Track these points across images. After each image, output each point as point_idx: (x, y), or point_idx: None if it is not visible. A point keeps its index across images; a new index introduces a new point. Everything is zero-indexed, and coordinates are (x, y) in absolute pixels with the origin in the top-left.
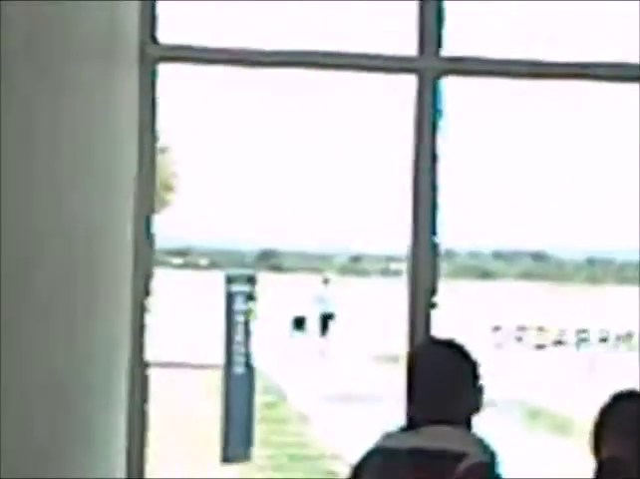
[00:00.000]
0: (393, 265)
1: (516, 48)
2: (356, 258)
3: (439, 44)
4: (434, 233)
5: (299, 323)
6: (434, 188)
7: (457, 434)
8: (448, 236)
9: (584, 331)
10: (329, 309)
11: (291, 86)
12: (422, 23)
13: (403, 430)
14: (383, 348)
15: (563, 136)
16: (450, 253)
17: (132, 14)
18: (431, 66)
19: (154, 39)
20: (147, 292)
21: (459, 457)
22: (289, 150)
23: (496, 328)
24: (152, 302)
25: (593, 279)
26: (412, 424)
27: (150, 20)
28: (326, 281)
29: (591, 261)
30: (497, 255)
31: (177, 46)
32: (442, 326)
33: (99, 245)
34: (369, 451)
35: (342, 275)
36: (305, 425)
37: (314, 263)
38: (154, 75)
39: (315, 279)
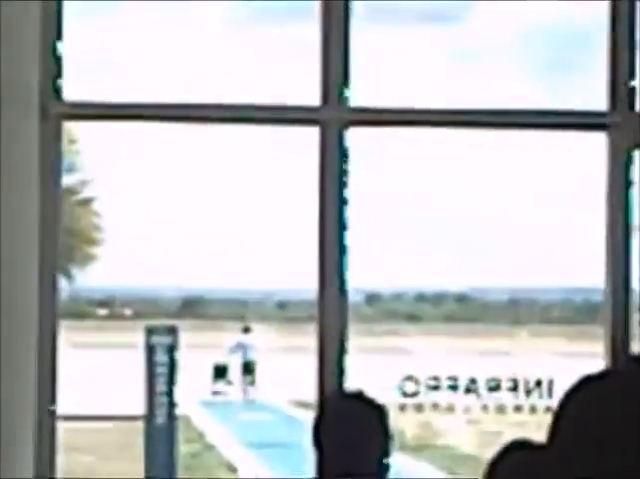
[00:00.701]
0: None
1: (417, 98)
2: (281, 305)
3: (342, 94)
4: (342, 278)
5: (221, 372)
6: (340, 233)
7: None
8: (371, 279)
9: (495, 380)
10: (250, 357)
11: (203, 138)
12: (325, 73)
13: None
14: (302, 395)
15: (474, 180)
16: (374, 297)
17: (33, 69)
18: (335, 116)
19: (57, 96)
20: (53, 344)
21: None
22: (205, 201)
23: (409, 378)
24: (61, 354)
25: (517, 321)
26: (321, 477)
27: (52, 76)
28: (247, 330)
29: (514, 302)
30: (421, 298)
31: (82, 103)
32: (353, 373)
33: (3, 297)
34: None
35: (266, 323)
36: (230, 474)
37: (239, 311)
38: (57, 131)
39: (238, 327)
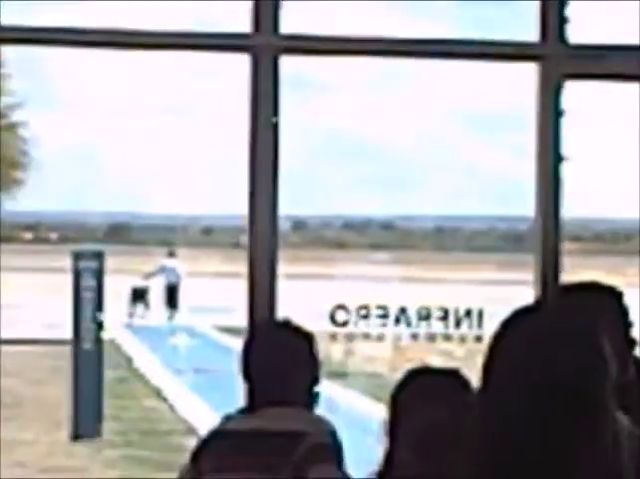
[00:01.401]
0: (243, 238)
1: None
2: (207, 230)
3: (275, 22)
4: (274, 203)
5: (139, 295)
6: (275, 159)
7: (296, 415)
8: (299, 206)
9: (425, 309)
10: (173, 281)
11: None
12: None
13: (242, 412)
14: (229, 320)
15: (402, 110)
16: (300, 224)
17: None
18: (267, 44)
19: None
20: None
21: (299, 437)
22: (134, 125)
23: (340, 307)
24: None
25: (442, 248)
26: (251, 406)
27: None
28: (171, 254)
29: (440, 230)
30: (348, 226)
31: (11, 27)
32: (283, 301)
33: None
34: (209, 434)
35: (192, 248)
36: (157, 400)
37: (164, 236)
38: None
39: (164, 253)
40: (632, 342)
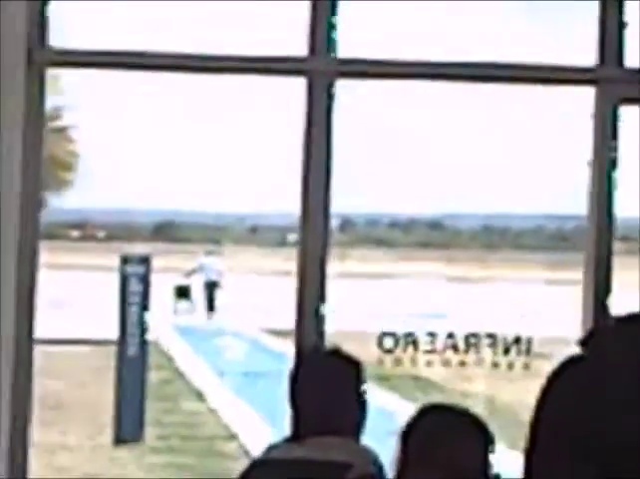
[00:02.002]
0: (290, 237)
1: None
2: (253, 229)
3: (330, 45)
4: (326, 202)
5: (183, 292)
6: (327, 156)
7: (342, 445)
8: (344, 204)
9: (475, 336)
10: (213, 278)
11: (190, 87)
12: (313, 24)
13: (288, 441)
14: (275, 322)
15: (453, 114)
16: (347, 223)
17: (20, 16)
18: (322, 68)
19: (42, 43)
20: (32, 268)
21: (344, 468)
22: (186, 137)
23: (387, 334)
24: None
25: (490, 247)
26: (297, 435)
27: (38, 23)
28: (210, 252)
29: (488, 229)
30: (394, 224)
31: (67, 51)
32: (334, 300)
33: None
34: (253, 462)
35: (238, 246)
36: (200, 403)
37: (211, 235)
38: (42, 79)
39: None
40: None
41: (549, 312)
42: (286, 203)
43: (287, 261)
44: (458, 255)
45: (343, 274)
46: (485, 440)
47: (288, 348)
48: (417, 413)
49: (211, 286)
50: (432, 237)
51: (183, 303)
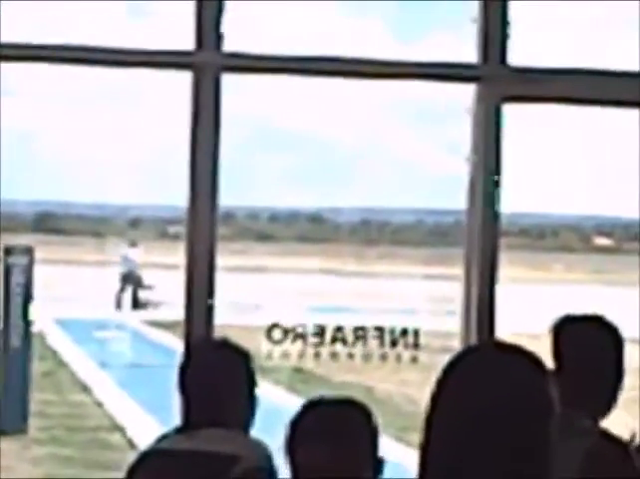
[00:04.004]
0: (172, 229)
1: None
2: (134, 222)
3: (218, 39)
4: (213, 196)
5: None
6: (214, 153)
7: (232, 437)
8: (225, 197)
9: (362, 329)
10: (133, 270)
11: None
12: (200, 18)
13: (178, 432)
14: (159, 315)
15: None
16: (228, 215)
17: None
18: (209, 62)
19: None
20: None
21: (233, 460)
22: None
23: (275, 326)
24: None
25: (369, 241)
26: (187, 426)
27: None
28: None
29: (366, 223)
30: (274, 218)
31: None
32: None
33: None
34: (143, 453)
35: (120, 238)
36: (85, 395)
37: (93, 227)
38: None
39: (93, 243)
40: (620, 377)
41: (429, 306)
42: (169, 195)
43: (168, 254)
44: (337, 249)
45: (225, 268)
46: (372, 428)
47: (172, 341)
48: (302, 408)
49: (132, 278)
50: (311, 230)
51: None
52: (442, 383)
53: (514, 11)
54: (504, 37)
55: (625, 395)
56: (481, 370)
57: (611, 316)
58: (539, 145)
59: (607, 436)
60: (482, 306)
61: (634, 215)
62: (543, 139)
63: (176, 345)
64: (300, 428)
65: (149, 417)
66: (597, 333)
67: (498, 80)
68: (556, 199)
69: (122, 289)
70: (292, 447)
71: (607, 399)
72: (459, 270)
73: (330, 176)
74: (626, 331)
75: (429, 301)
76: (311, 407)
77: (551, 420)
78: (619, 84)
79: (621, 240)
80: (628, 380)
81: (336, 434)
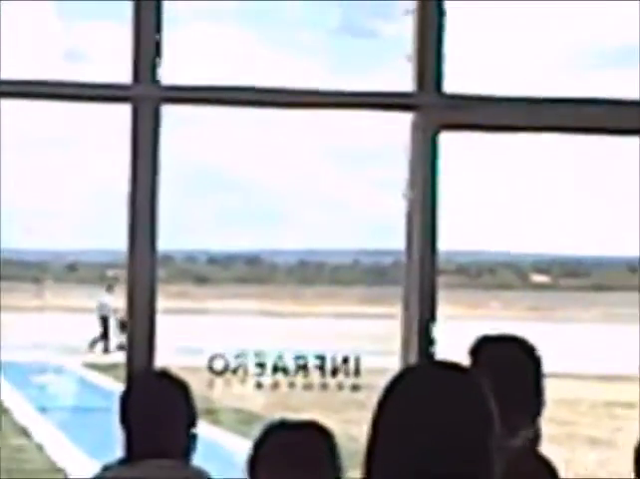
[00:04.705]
0: (110, 272)
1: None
2: (72, 266)
3: (155, 72)
4: (153, 237)
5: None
6: (153, 193)
7: (174, 467)
8: (165, 240)
9: (303, 357)
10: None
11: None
12: (137, 51)
13: (120, 463)
14: (100, 358)
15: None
16: (166, 258)
17: None
18: (147, 94)
19: None
20: None
21: None
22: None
23: (216, 356)
24: None
25: (306, 282)
26: (129, 456)
27: None
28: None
29: (304, 264)
30: (212, 260)
31: None
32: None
33: None
34: None
35: (59, 283)
36: (25, 439)
37: (31, 271)
38: None
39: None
40: (540, 395)
41: (368, 345)
42: (107, 238)
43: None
44: (275, 291)
45: (164, 311)
46: (333, 451)
47: (112, 384)
48: (262, 433)
49: (109, 322)
50: (249, 272)
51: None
52: (383, 403)
53: (450, 39)
54: (440, 65)
55: (560, 430)
56: (421, 388)
57: (549, 352)
58: (475, 180)
59: (530, 451)
60: (421, 345)
61: (571, 251)
62: (479, 174)
63: (117, 388)
64: (262, 452)
65: (89, 460)
66: (514, 352)
67: (434, 108)
68: (493, 236)
69: (103, 335)
70: (254, 471)
71: (528, 416)
72: (397, 309)
73: (267, 218)
74: (564, 366)
75: (368, 340)
76: (273, 431)
77: (492, 435)
78: (556, 111)
79: (558, 277)
80: (564, 414)
81: (298, 457)
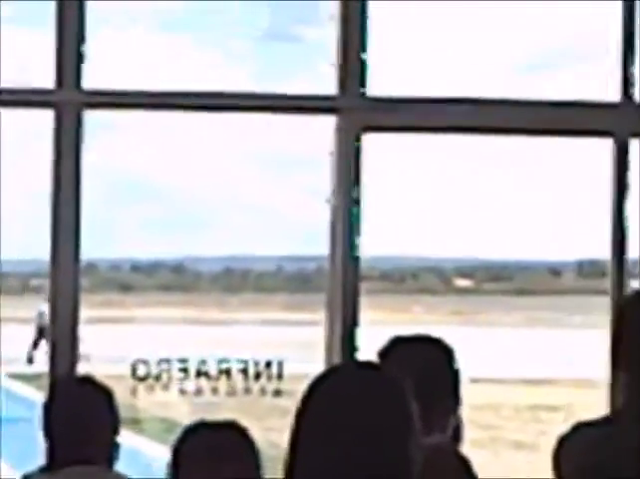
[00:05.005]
0: (34, 282)
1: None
2: None
3: (78, 77)
4: (77, 246)
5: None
6: (76, 201)
7: (96, 473)
8: (88, 248)
9: (226, 361)
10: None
11: None
12: (60, 56)
13: (42, 471)
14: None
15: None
16: (90, 267)
17: None
18: (69, 100)
19: None
20: None
21: None
22: None
23: (138, 362)
24: None
25: (230, 289)
26: (52, 463)
27: None
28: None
29: (229, 271)
30: (136, 268)
31: None
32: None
33: None
34: None
35: None
36: None
37: None
38: None
39: None
40: (456, 393)
41: (293, 352)
42: (30, 247)
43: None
44: (199, 298)
45: (88, 320)
46: (253, 449)
47: (36, 394)
48: (183, 433)
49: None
50: (174, 280)
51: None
52: (305, 403)
53: (372, 41)
54: (362, 68)
55: (484, 434)
56: (343, 388)
57: (472, 357)
58: (397, 184)
59: (447, 449)
60: (345, 350)
61: (494, 256)
62: (401, 178)
63: (40, 398)
64: (183, 451)
65: (12, 471)
66: (427, 351)
67: (357, 110)
68: (416, 241)
69: (35, 345)
70: (176, 470)
71: (446, 413)
72: (321, 316)
73: (191, 225)
74: (487, 371)
75: (292, 347)
76: (193, 430)
77: (412, 435)
78: (478, 112)
79: (481, 282)
80: (488, 419)
81: (219, 454)
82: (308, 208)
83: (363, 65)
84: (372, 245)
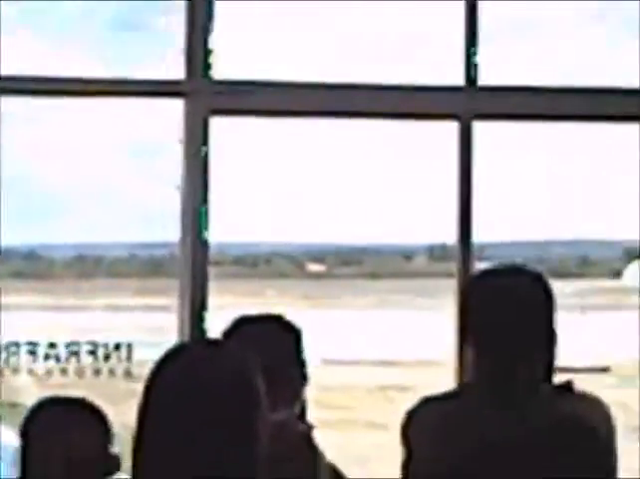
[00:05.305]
0: None
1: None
2: None
3: None
4: None
5: None
6: None
7: None
8: None
9: (75, 344)
10: None
11: None
12: None
13: None
14: None
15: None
16: None
17: None
18: None
19: None
20: None
21: None
22: None
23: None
24: None
25: (83, 275)
26: None
27: None
28: None
29: (81, 258)
30: None
31: None
32: None
33: None
34: None
35: None
36: None
37: None
38: None
39: None
40: (302, 369)
41: (146, 336)
42: None
43: None
44: (52, 285)
45: None
46: (104, 426)
47: None
48: (30, 411)
49: None
50: (26, 266)
51: None
52: (150, 382)
53: (218, 25)
54: (207, 51)
55: (336, 415)
56: (191, 364)
57: (324, 339)
58: (249, 169)
59: (293, 425)
60: (194, 335)
61: (346, 240)
62: (251, 163)
63: None
64: (31, 430)
65: None
66: (271, 329)
67: (203, 94)
68: (270, 227)
69: None
70: (24, 451)
71: (292, 389)
72: (173, 301)
73: (43, 211)
74: (339, 353)
75: (144, 332)
76: (42, 406)
77: (259, 412)
78: (327, 95)
79: (333, 266)
80: (340, 400)
81: (70, 430)
82: (159, 194)
83: (208, 49)
84: (226, 232)
